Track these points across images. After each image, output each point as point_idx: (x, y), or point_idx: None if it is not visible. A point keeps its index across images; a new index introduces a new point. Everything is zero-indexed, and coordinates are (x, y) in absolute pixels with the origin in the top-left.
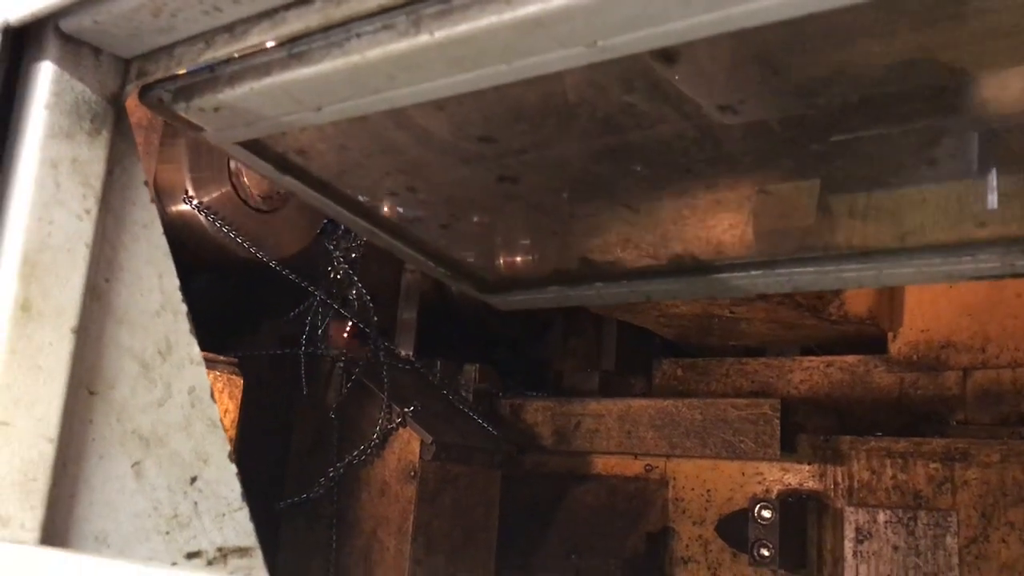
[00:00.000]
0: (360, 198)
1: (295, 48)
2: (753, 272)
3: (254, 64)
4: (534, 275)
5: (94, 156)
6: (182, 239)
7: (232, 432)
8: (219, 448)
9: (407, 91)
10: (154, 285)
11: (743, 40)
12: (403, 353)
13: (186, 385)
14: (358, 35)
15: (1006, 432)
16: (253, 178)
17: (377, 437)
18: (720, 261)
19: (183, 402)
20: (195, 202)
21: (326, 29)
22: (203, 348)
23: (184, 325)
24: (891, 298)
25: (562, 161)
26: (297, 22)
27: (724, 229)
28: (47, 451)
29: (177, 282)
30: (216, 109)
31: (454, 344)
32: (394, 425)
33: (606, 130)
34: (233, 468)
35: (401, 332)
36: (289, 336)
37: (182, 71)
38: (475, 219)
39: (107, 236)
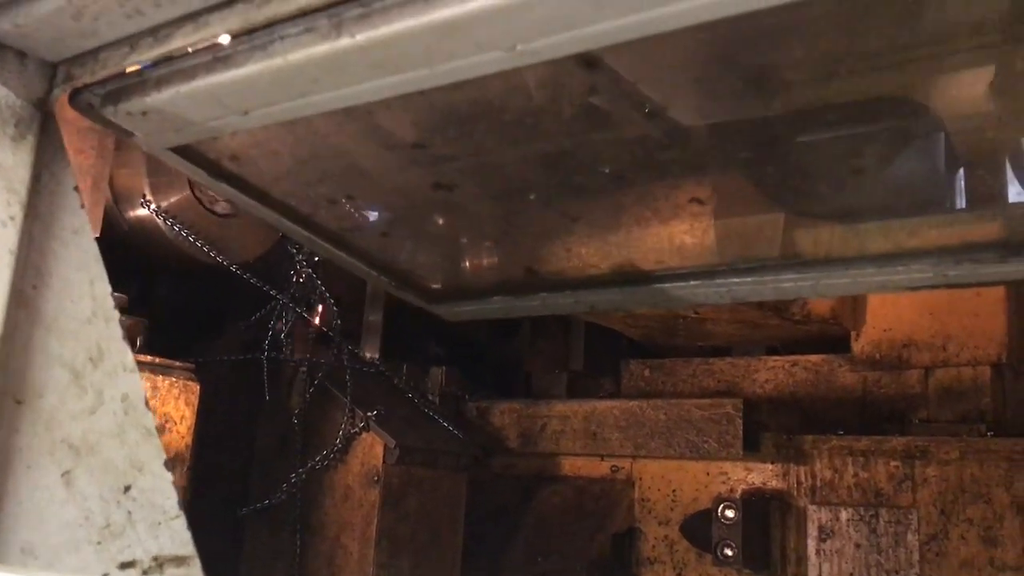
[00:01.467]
0: (297, 206)
1: (219, 52)
2: (693, 283)
3: (180, 68)
4: (479, 285)
5: (18, 161)
6: (141, 245)
7: (189, 439)
8: (154, 456)
9: (332, 95)
10: (85, 292)
11: (665, 45)
12: (368, 356)
13: (119, 392)
14: (281, 38)
15: (966, 429)
16: None
17: (340, 441)
18: (661, 271)
19: (116, 409)
20: (153, 206)
21: (249, 32)
22: (164, 354)
23: (116, 331)
24: (854, 298)
25: (496, 168)
26: (219, 25)
27: (661, 238)
28: None
29: (109, 288)
30: (144, 113)
31: (421, 347)
32: (357, 429)
33: (536, 137)
34: (169, 476)
35: (366, 335)
36: (252, 341)
37: (107, 74)
38: (414, 228)
39: (34, 242)
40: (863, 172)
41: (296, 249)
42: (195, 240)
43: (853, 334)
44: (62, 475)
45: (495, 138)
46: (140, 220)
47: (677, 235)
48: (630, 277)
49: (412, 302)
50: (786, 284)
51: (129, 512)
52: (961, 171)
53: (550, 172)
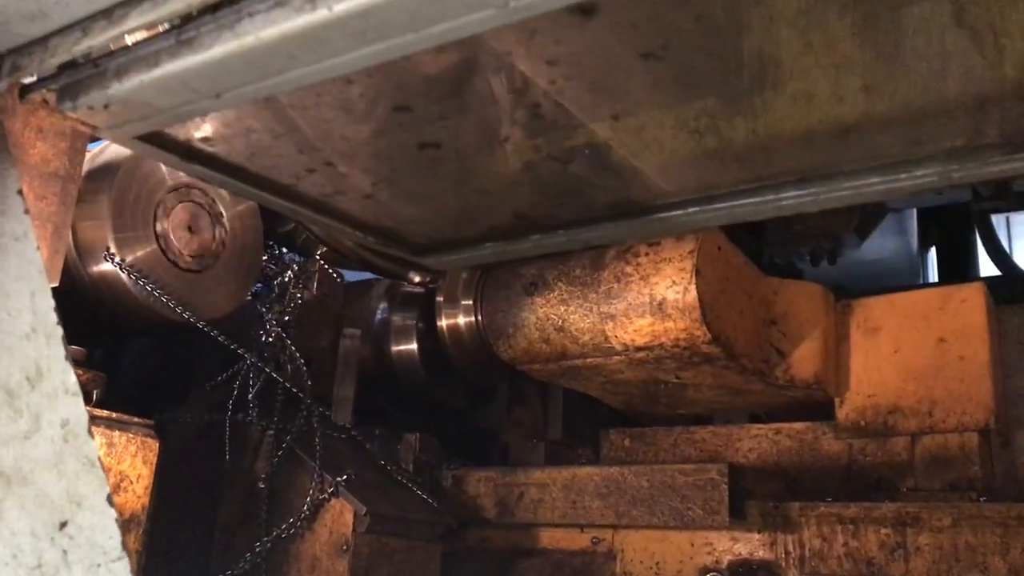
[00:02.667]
0: (276, 178)
1: (183, 34)
2: (691, 209)
3: (141, 55)
4: (468, 233)
5: None
6: (104, 300)
7: (146, 499)
8: (96, 490)
9: (311, 69)
10: (24, 304)
11: None
12: (340, 422)
13: (58, 417)
14: (250, 15)
15: (956, 497)
16: (182, 237)
17: (308, 508)
18: (656, 200)
19: (54, 436)
20: (116, 259)
21: (213, 9)
22: (126, 412)
23: (59, 350)
24: (837, 362)
25: (486, 121)
26: (178, 2)
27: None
28: None
29: (52, 302)
30: (106, 106)
31: (394, 413)
32: (326, 495)
33: (526, 85)
34: (112, 513)
35: (338, 399)
36: (218, 403)
37: (58, 62)
38: (399, 187)
39: None
40: None
41: (266, 308)
42: (161, 296)
43: (837, 400)
44: None
45: (483, 91)
46: (103, 275)
47: (669, 151)
48: (625, 211)
49: (399, 256)
50: (786, 201)
51: (64, 551)
52: None
53: (535, 117)
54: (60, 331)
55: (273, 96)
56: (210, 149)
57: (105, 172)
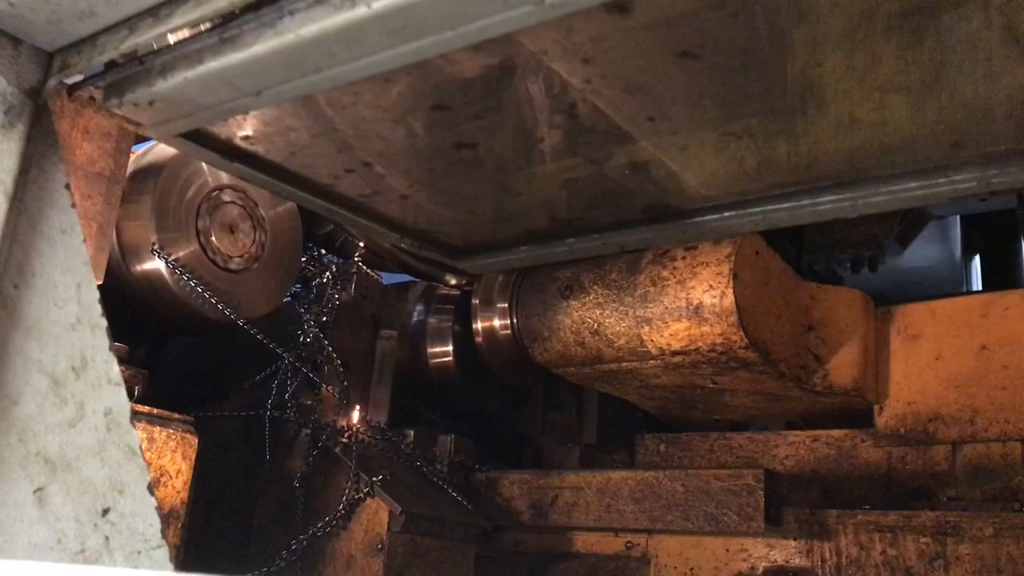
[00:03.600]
0: (315, 177)
1: (226, 32)
2: (727, 213)
3: (185, 52)
4: (503, 236)
5: (6, 150)
6: (146, 299)
7: (185, 494)
8: (137, 478)
9: (350, 67)
10: (71, 295)
11: None
12: (375, 422)
13: (102, 406)
14: (291, 12)
15: (997, 508)
16: (223, 238)
17: (344, 508)
18: (692, 205)
19: (98, 424)
20: (161, 252)
21: (255, 7)
22: (166, 408)
23: (103, 341)
24: (876, 369)
25: (522, 121)
26: (222, 1)
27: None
28: None
29: (97, 294)
30: (151, 103)
31: (430, 415)
32: (361, 495)
33: (563, 86)
34: (153, 501)
35: (374, 400)
36: (256, 402)
37: (106, 60)
38: (436, 188)
39: (18, 239)
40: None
41: (304, 309)
42: (203, 293)
43: (876, 408)
44: (35, 492)
45: (520, 91)
46: (147, 275)
47: (710, 163)
48: (660, 215)
49: (435, 259)
50: (824, 206)
51: (107, 537)
52: None
53: (572, 118)
54: (104, 323)
55: (312, 95)
56: (250, 148)
57: (149, 173)
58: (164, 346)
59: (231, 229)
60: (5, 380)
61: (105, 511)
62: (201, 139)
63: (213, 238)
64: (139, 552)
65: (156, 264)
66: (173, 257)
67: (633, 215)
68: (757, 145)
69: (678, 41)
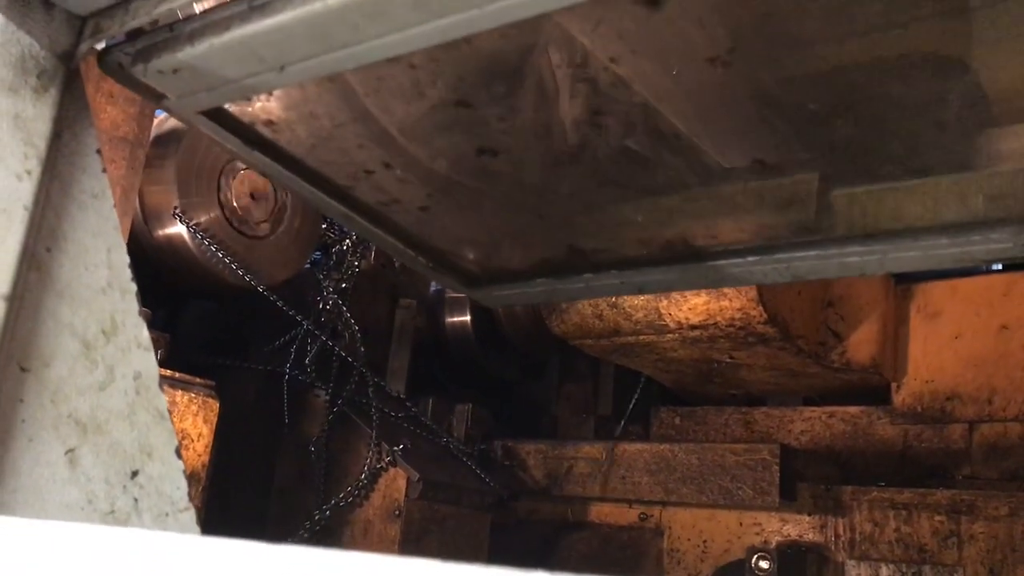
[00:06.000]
0: (334, 177)
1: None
2: (750, 258)
3: (214, 19)
4: (520, 267)
5: (39, 114)
6: (169, 264)
7: (206, 457)
8: (165, 441)
9: (374, 44)
10: (101, 260)
11: None
12: (394, 391)
13: (131, 370)
14: None
15: (1014, 487)
16: (245, 204)
17: (365, 477)
18: (715, 248)
19: (127, 388)
20: (183, 217)
21: None
22: (185, 371)
23: (133, 305)
24: (895, 346)
25: (544, 131)
26: None
27: (716, 208)
28: None
29: (127, 259)
30: (175, 71)
31: (447, 384)
32: (383, 464)
33: (589, 95)
34: (180, 465)
35: (392, 369)
36: (276, 367)
37: (137, 25)
38: (454, 200)
39: (51, 202)
40: (944, 127)
41: (323, 275)
42: (224, 257)
43: (894, 385)
44: (66, 453)
45: (544, 94)
46: (169, 239)
47: (733, 204)
48: (681, 254)
49: (451, 287)
50: (851, 259)
51: (136, 499)
52: None
53: (598, 135)
54: (134, 287)
55: (336, 75)
56: (272, 136)
57: (172, 138)
58: (184, 308)
59: (252, 195)
60: (38, 343)
61: (134, 473)
62: (223, 121)
63: (235, 204)
64: (167, 514)
65: (178, 228)
66: (195, 222)
67: (653, 253)
68: (804, 204)
69: (707, 44)
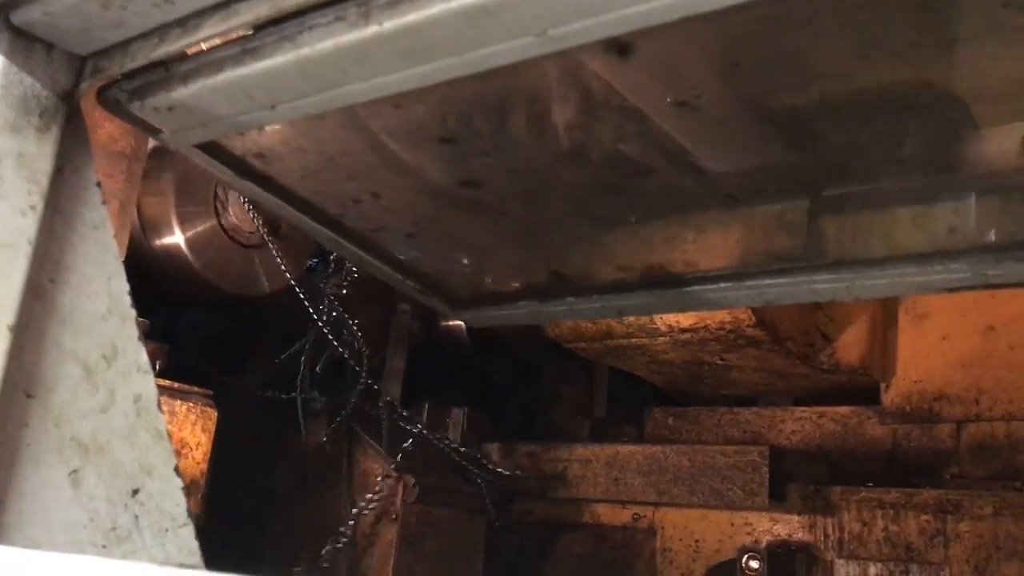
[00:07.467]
0: (324, 206)
1: (249, 44)
2: (723, 284)
3: (208, 61)
4: (505, 290)
5: (42, 152)
6: (166, 273)
7: (204, 466)
8: (164, 460)
9: (361, 86)
10: (102, 288)
11: (698, 29)
12: (390, 396)
13: (131, 392)
14: (310, 28)
15: (1000, 487)
16: (240, 212)
17: (380, 488)
18: (691, 274)
19: (127, 410)
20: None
21: (277, 21)
22: (185, 381)
23: (132, 331)
24: (884, 348)
25: (526, 164)
26: (247, 13)
27: (695, 239)
28: None
29: (127, 286)
30: (170, 108)
31: (443, 388)
32: (391, 478)
33: (568, 132)
34: (179, 482)
35: (389, 373)
36: (276, 376)
37: (135, 67)
38: (441, 227)
39: (54, 235)
40: (905, 164)
41: (323, 283)
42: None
43: (883, 385)
44: (69, 474)
45: (524, 131)
46: (167, 249)
47: (708, 234)
48: (659, 280)
49: (438, 309)
50: (820, 285)
51: (136, 516)
52: None
53: (578, 167)
54: (133, 313)
55: (325, 114)
56: (263, 168)
57: (169, 151)
58: (182, 317)
59: (248, 205)
60: (42, 370)
61: (135, 491)
62: (217, 153)
63: (231, 213)
64: (167, 530)
65: (175, 239)
66: (192, 233)
67: (632, 278)
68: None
69: (675, 90)
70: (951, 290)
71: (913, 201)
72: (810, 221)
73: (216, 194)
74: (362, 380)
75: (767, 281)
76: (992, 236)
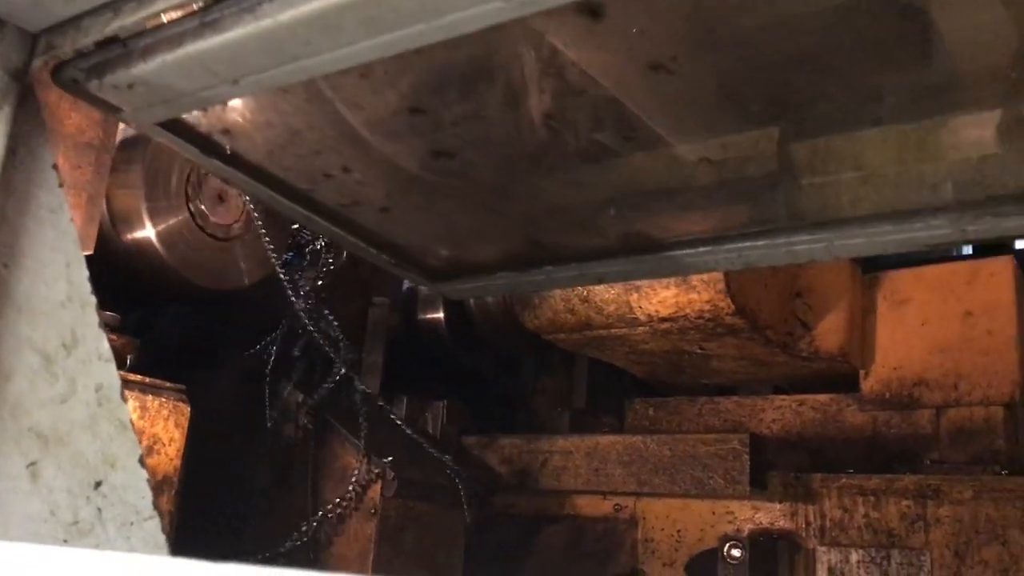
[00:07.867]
0: (294, 181)
1: (207, 16)
2: (702, 248)
3: (166, 35)
4: (483, 260)
5: None
6: (138, 268)
7: (178, 462)
8: (128, 451)
9: (326, 57)
10: (60, 273)
11: None
12: (368, 388)
13: (93, 382)
14: None
15: (979, 470)
16: (213, 206)
17: (354, 488)
18: (671, 239)
19: (89, 400)
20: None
21: None
22: (160, 377)
23: (92, 318)
24: (863, 335)
25: (498, 133)
26: None
27: (677, 201)
28: None
29: (86, 272)
30: (130, 86)
31: (422, 380)
32: (372, 476)
33: (540, 99)
34: (144, 474)
35: (367, 366)
36: (251, 369)
37: (90, 42)
38: (415, 200)
39: (7, 218)
40: (881, 122)
41: (299, 275)
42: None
43: (862, 372)
44: (28, 466)
45: (496, 100)
46: (137, 243)
47: (687, 196)
48: (638, 246)
49: (415, 282)
50: (799, 247)
51: (99, 509)
52: None
53: (552, 135)
54: (94, 300)
55: (290, 88)
56: (229, 143)
57: (139, 141)
58: (156, 312)
59: (220, 198)
60: None
61: (97, 484)
62: (180, 131)
63: (203, 206)
64: (131, 523)
65: (146, 232)
66: (163, 227)
67: (611, 244)
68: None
69: (649, 52)
70: (931, 246)
71: (892, 160)
72: (790, 181)
73: (187, 186)
74: (337, 368)
75: (746, 244)
76: (970, 192)
